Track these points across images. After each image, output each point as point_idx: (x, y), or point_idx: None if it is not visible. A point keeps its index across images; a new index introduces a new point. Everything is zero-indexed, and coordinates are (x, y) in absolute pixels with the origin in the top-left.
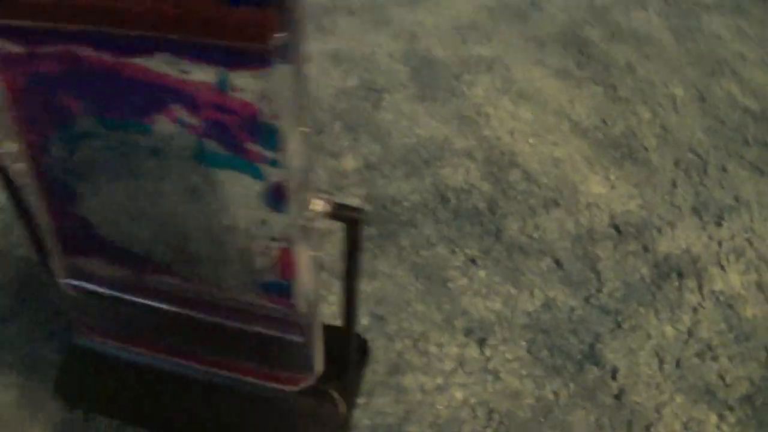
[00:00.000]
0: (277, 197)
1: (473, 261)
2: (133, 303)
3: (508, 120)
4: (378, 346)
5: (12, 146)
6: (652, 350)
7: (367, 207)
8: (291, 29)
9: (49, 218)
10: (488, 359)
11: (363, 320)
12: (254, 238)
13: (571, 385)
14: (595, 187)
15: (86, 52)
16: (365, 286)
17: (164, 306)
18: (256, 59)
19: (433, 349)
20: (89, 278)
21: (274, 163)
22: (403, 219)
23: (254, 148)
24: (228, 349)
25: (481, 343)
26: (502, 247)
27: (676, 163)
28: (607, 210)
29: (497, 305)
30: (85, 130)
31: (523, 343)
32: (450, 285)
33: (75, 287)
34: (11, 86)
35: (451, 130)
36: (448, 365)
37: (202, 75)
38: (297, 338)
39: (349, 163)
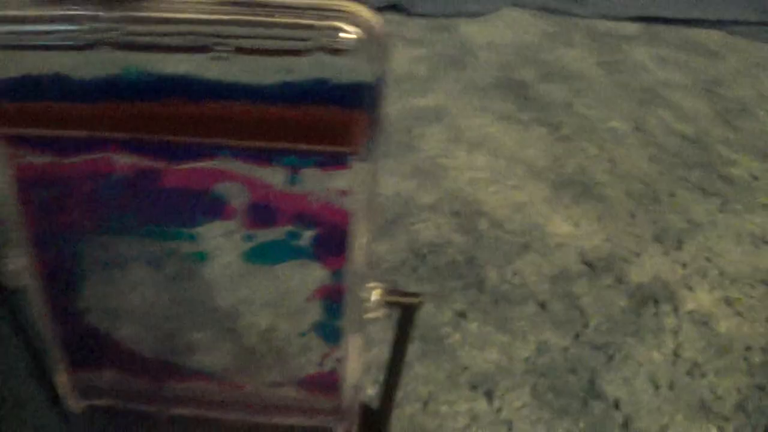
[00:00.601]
0: (335, 296)
1: (462, 315)
2: (152, 414)
3: (465, 170)
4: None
5: (19, 259)
6: (646, 376)
7: None
8: (377, 129)
9: (55, 327)
10: (498, 410)
11: (368, 390)
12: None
13: (581, 423)
14: (561, 226)
15: (125, 158)
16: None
17: (188, 411)
18: (335, 159)
19: (443, 408)
20: (101, 394)
21: (337, 274)
22: (387, 281)
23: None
24: None
25: (489, 395)
26: (487, 297)
27: (629, 194)
28: (576, 248)
29: (494, 355)
30: (110, 238)
31: (527, 389)
32: (445, 342)
33: (85, 407)
34: (26, 199)
35: (413, 186)
36: (462, 422)
37: (268, 175)
38: (334, 425)
39: None
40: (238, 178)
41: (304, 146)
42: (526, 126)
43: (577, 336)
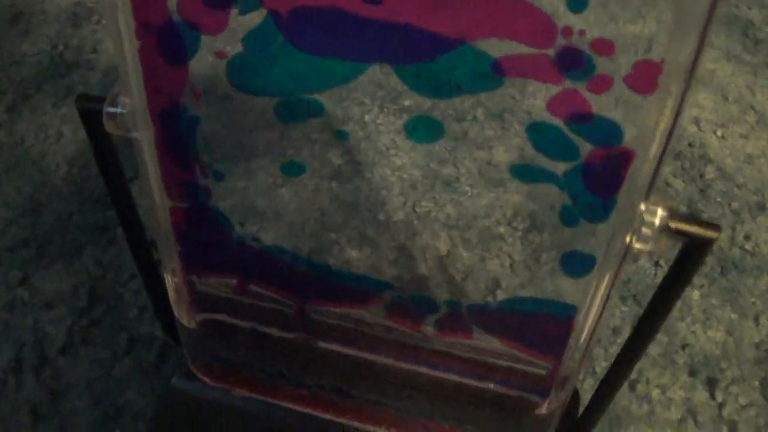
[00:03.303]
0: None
1: None
2: (288, 342)
3: (688, 106)
4: (587, 390)
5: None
6: None
7: None
8: None
9: (168, 208)
10: (721, 405)
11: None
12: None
13: None
14: None
15: None
16: None
17: (336, 347)
18: None
19: (655, 393)
20: (222, 308)
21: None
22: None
23: None
24: (431, 409)
25: (711, 384)
26: (715, 261)
27: None
28: None
29: (720, 335)
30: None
31: (756, 384)
32: None
33: (199, 320)
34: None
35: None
36: (676, 414)
37: None
38: (537, 400)
39: None
40: None
41: None
42: (755, 70)
43: None
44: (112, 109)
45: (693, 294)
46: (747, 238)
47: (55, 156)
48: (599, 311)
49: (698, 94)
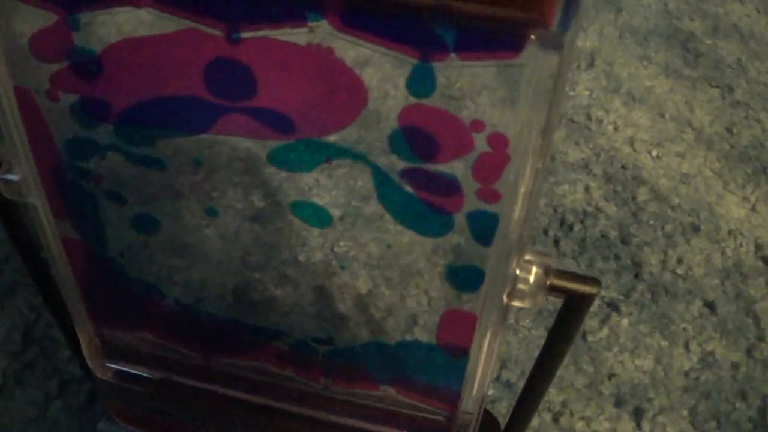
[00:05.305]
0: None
1: (613, 306)
2: (195, 390)
3: (623, 126)
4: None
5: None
6: None
7: None
8: None
9: (71, 265)
10: None
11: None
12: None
13: None
14: (734, 209)
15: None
16: None
17: (242, 395)
18: (506, 39)
19: (579, 425)
20: (131, 360)
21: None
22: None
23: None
24: None
25: (637, 415)
26: (644, 287)
27: None
28: (752, 238)
29: (649, 363)
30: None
31: (685, 413)
32: (589, 338)
33: (111, 371)
34: None
35: (560, 137)
36: None
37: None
38: None
39: None
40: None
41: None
42: (694, 84)
43: (749, 350)
44: (6, 176)
45: (622, 322)
46: (679, 261)
47: None
48: (489, 361)
49: (634, 113)
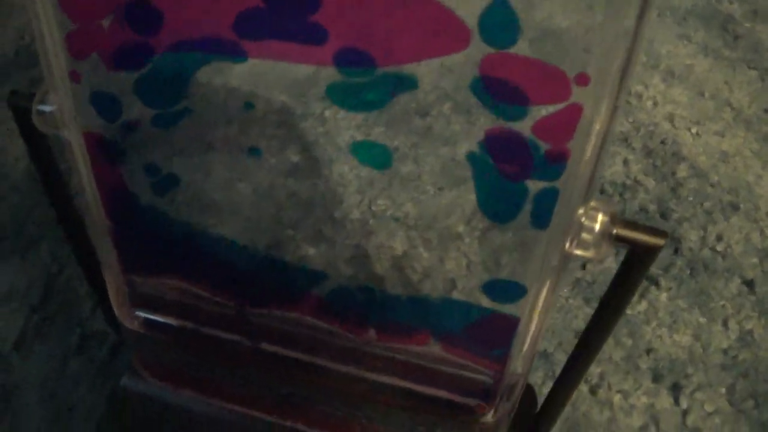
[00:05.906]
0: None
1: (653, 280)
2: (227, 343)
3: (662, 103)
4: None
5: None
6: None
7: None
8: None
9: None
10: (685, 412)
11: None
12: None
13: None
14: None
15: None
16: None
17: (280, 350)
18: None
19: (616, 399)
20: (162, 308)
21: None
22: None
23: None
24: (373, 414)
25: (675, 390)
26: (683, 262)
27: None
28: None
29: (687, 339)
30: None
31: (723, 391)
32: (628, 311)
33: (140, 320)
34: None
35: None
36: (638, 420)
37: None
38: (483, 407)
39: None
40: None
41: None
42: (733, 65)
43: None
44: (41, 107)
45: (660, 296)
46: (719, 238)
47: (14, 150)
48: (541, 319)
49: (674, 90)
